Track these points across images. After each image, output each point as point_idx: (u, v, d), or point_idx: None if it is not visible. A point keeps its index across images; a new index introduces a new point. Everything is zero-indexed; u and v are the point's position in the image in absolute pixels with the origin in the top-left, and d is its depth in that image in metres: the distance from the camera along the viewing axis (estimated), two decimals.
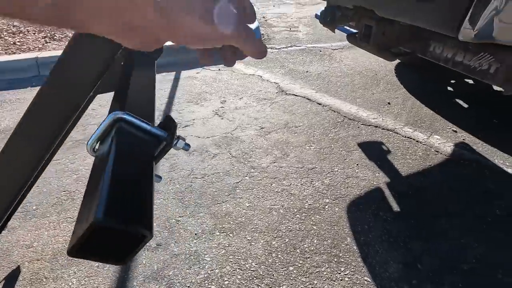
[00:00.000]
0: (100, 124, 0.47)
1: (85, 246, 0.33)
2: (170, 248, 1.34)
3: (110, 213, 0.33)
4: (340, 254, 1.29)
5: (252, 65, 3.29)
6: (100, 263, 1.25)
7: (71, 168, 1.82)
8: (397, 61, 3.14)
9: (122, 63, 0.76)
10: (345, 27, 1.82)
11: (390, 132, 2.08)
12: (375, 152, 1.90)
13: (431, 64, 1.39)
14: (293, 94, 2.63)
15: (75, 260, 1.30)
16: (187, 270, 1.25)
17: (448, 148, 1.90)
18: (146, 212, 0.37)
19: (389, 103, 2.44)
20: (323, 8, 1.70)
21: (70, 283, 1.21)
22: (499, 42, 0.87)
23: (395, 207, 1.51)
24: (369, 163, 1.80)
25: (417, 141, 1.98)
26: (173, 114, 2.39)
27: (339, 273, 1.22)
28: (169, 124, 0.56)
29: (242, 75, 3.06)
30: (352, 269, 1.23)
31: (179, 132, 2.15)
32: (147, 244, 1.36)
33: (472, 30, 0.89)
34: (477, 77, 1.05)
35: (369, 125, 2.16)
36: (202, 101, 2.57)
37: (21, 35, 4.10)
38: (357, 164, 1.79)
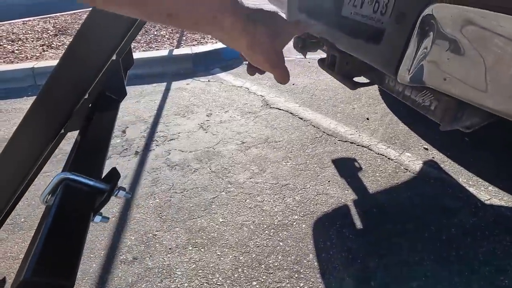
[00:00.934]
0: (50, 182, 0.58)
1: None
2: (145, 262, 1.45)
3: (37, 272, 0.44)
4: (301, 270, 1.39)
5: (241, 76, 3.39)
6: (80, 275, 1.36)
7: None
8: None
9: (89, 106, 0.86)
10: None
11: (364, 149, 2.17)
12: (347, 169, 1.99)
13: None
14: (277, 108, 2.73)
15: None
16: (158, 284, 1.35)
17: (417, 166, 2.00)
18: (71, 263, 0.47)
19: (367, 119, 2.53)
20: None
21: None
22: (429, 86, 0.96)
23: (358, 224, 1.61)
24: (340, 180, 1.90)
25: (388, 158, 2.07)
26: (160, 127, 2.50)
27: None
28: (112, 175, 0.67)
29: (230, 87, 3.16)
30: (310, 285, 1.33)
31: (165, 146, 2.26)
32: (125, 257, 1.47)
33: (408, 74, 0.99)
34: (422, 112, 1.15)
35: (345, 141, 2.26)
36: (189, 114, 2.68)
37: (19, 42, 4.22)
38: (329, 181, 1.89)
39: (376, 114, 2.59)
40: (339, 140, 2.27)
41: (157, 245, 1.52)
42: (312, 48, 1.73)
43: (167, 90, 3.16)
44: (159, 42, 4.25)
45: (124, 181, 1.93)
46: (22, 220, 1.68)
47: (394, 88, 1.29)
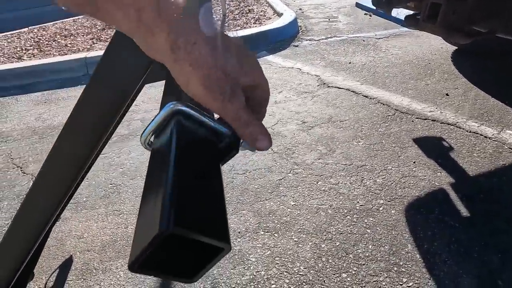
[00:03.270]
0: (155, 116, 0.40)
1: (149, 260, 0.26)
2: None
3: (179, 222, 0.26)
4: (401, 263, 1.15)
5: (290, 58, 3.17)
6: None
7: (117, 162, 1.87)
8: (453, 49, 2.82)
9: None
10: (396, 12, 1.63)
11: (451, 127, 1.84)
12: (434, 149, 1.69)
13: (499, 50, 1.17)
14: (336, 87, 2.47)
15: (122, 253, 1.31)
16: (231, 270, 1.19)
17: None
18: (221, 220, 0.29)
19: (447, 94, 2.18)
20: None
21: (118, 276, 1.22)
22: None
23: (464, 211, 1.32)
24: (428, 161, 1.61)
25: (485, 137, 1.73)
26: None
27: (401, 285, 1.08)
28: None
29: (281, 68, 2.96)
30: (416, 281, 1.08)
31: None
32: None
33: None
34: None
35: (425, 119, 1.94)
36: None
37: (71, 37, 4.39)
38: (414, 162, 1.61)
39: (457, 90, 2.23)
40: (416, 118, 1.96)
41: None
42: (398, 2, 1.45)
43: None
44: None
45: None
46: (84, 199, 1.62)
47: None
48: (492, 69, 2.44)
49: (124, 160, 1.88)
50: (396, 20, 3.79)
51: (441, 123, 1.89)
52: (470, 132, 1.78)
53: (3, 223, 1.52)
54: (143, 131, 0.39)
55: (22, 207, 0.57)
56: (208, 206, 0.30)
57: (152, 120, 0.39)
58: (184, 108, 0.39)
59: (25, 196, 0.55)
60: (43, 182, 0.57)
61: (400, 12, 2.90)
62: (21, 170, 1.89)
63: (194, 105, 0.41)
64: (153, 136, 0.41)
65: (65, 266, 1.29)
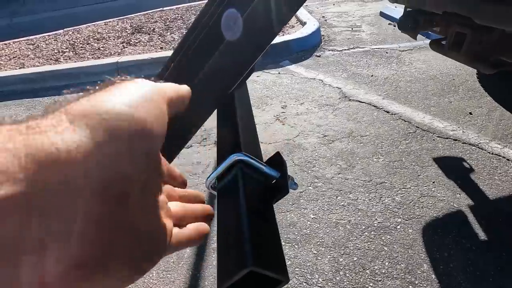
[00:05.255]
0: (221, 164, 0.49)
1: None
2: None
3: (257, 259, 0.35)
4: (416, 282, 1.20)
5: (312, 68, 3.23)
6: (176, 259, 1.35)
7: None
8: None
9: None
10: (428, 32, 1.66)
11: (473, 147, 1.86)
12: (454, 169, 1.72)
13: None
14: (357, 100, 2.52)
15: None
16: None
17: None
18: (280, 256, 0.38)
19: (470, 113, 2.18)
20: (401, 13, 1.58)
21: (150, 276, 1.34)
22: None
23: (481, 235, 1.35)
24: (447, 181, 1.64)
25: (507, 160, 1.74)
26: None
27: None
28: (278, 162, 0.56)
29: (302, 79, 3.03)
30: None
31: None
32: (215, 246, 1.44)
33: None
34: None
35: (447, 138, 1.96)
36: (263, 106, 2.61)
37: (103, 41, 4.63)
38: (433, 182, 1.64)
39: (481, 109, 2.22)
40: (438, 137, 1.98)
41: None
42: (425, 27, 1.50)
43: None
44: None
45: (207, 169, 1.93)
46: None
47: None
48: None
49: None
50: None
51: (463, 143, 1.91)
52: (492, 154, 1.79)
53: None
54: (209, 176, 0.50)
55: None
56: (270, 243, 0.40)
57: (217, 167, 0.49)
58: (244, 158, 0.49)
59: None
60: None
61: None
62: None
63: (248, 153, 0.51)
64: (216, 181, 0.52)
65: None
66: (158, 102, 0.21)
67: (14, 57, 4.21)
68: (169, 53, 3.84)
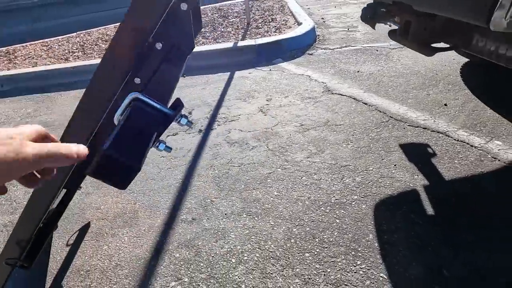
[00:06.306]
0: (122, 103, 0.64)
1: (98, 169, 0.49)
2: (202, 223, 1.52)
3: (114, 148, 0.49)
4: (359, 249, 1.29)
5: (302, 65, 3.35)
6: (147, 227, 1.49)
7: None
8: (465, 61, 2.83)
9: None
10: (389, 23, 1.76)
11: (440, 135, 1.92)
12: (418, 154, 1.79)
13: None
14: (338, 94, 2.61)
15: (128, 223, 1.58)
16: (213, 243, 1.41)
17: (509, 155, 1.68)
18: (138, 153, 0.52)
19: (445, 105, 2.24)
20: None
21: (123, 240, 1.49)
22: None
23: (430, 211, 1.42)
24: (408, 164, 1.71)
25: (471, 146, 1.79)
26: (222, 110, 2.62)
27: (355, 266, 1.23)
28: (177, 105, 0.72)
29: (291, 75, 3.15)
30: (369, 264, 1.22)
31: (226, 126, 2.36)
32: (185, 217, 1.57)
33: (504, 19, 0.83)
34: None
35: (417, 127, 2.03)
36: (250, 99, 2.75)
37: None
38: (395, 165, 1.72)
39: (457, 101, 2.28)
40: (409, 125, 2.06)
41: (214, 210, 1.59)
42: (383, 18, 1.60)
43: (230, 78, 3.30)
44: (225, 37, 4.48)
45: (188, 154, 2.08)
46: None
47: (484, 49, 1.11)
48: (498, 82, 2.44)
49: None
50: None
51: (431, 131, 1.97)
52: (457, 140, 1.85)
53: None
54: (116, 112, 0.65)
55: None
56: (134, 146, 0.53)
57: (120, 107, 0.64)
58: (140, 96, 0.64)
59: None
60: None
61: None
62: None
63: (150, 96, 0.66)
64: (121, 116, 0.67)
65: (84, 230, 1.59)
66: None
67: (28, 57, 4.54)
68: None
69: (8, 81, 3.87)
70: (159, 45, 0.73)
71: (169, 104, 0.73)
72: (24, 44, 5.25)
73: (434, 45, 1.32)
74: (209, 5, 6.25)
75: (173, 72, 0.87)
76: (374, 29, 1.71)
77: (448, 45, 1.31)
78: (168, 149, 0.74)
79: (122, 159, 0.47)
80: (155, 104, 0.63)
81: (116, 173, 0.49)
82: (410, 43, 1.38)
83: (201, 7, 6.32)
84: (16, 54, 4.86)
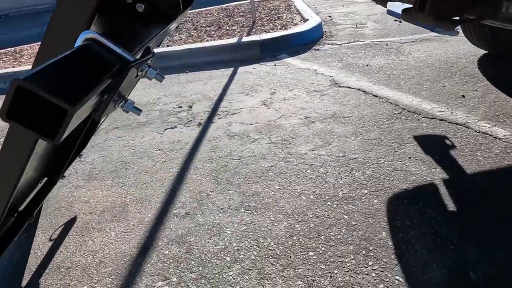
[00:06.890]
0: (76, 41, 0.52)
1: (16, 110, 0.36)
2: (196, 218, 1.39)
3: (35, 80, 0.36)
4: (371, 248, 1.13)
5: (309, 60, 3.22)
6: (137, 222, 1.37)
7: (130, 144, 2.07)
8: (482, 53, 2.66)
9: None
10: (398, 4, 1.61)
11: (459, 126, 1.75)
12: (434, 146, 1.63)
13: None
14: (346, 87, 2.47)
15: (116, 217, 1.46)
16: (207, 240, 1.27)
17: None
18: (74, 94, 0.39)
19: (463, 96, 2.07)
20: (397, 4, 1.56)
21: (109, 235, 1.37)
22: None
23: (451, 206, 1.26)
24: (424, 157, 1.55)
25: (494, 137, 1.62)
26: (224, 103, 2.50)
27: (366, 267, 1.07)
28: (145, 53, 0.59)
29: (297, 69, 3.02)
30: (382, 265, 1.07)
31: (226, 119, 2.24)
32: (178, 212, 1.44)
33: None
34: None
35: (432, 118, 1.87)
36: (253, 93, 2.63)
37: None
38: (410, 158, 1.56)
39: (476, 92, 2.10)
40: (423, 117, 1.90)
41: (209, 204, 1.46)
42: None
43: (234, 73, 3.19)
44: (230, 35, 4.40)
45: (185, 147, 1.96)
46: (97, 172, 1.83)
47: None
48: None
49: (137, 143, 2.07)
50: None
51: (449, 122, 1.81)
52: (479, 132, 1.68)
53: None
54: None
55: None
56: (71, 85, 0.40)
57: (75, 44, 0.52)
58: (95, 35, 0.51)
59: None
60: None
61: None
62: None
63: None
64: None
65: (69, 224, 1.47)
66: None
67: (34, 56, 4.55)
68: (169, 50, 3.99)
69: (12, 78, 3.86)
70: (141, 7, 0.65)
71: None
72: (31, 44, 5.29)
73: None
74: (215, 6, 6.21)
75: (150, 28, 0.76)
76: (386, 7, 1.57)
77: (471, 17, 1.17)
78: (137, 110, 0.61)
79: (46, 95, 0.35)
80: (112, 46, 0.51)
81: (41, 116, 0.37)
82: (428, 18, 1.24)
83: (207, 8, 6.29)
84: (22, 53, 4.89)
